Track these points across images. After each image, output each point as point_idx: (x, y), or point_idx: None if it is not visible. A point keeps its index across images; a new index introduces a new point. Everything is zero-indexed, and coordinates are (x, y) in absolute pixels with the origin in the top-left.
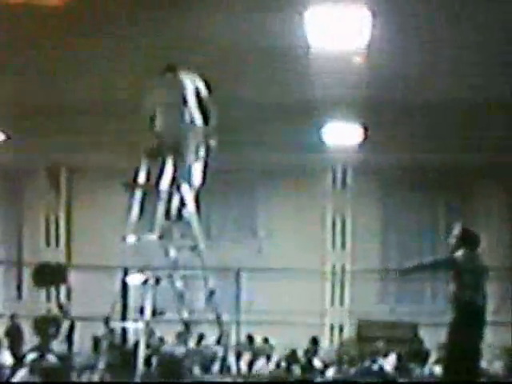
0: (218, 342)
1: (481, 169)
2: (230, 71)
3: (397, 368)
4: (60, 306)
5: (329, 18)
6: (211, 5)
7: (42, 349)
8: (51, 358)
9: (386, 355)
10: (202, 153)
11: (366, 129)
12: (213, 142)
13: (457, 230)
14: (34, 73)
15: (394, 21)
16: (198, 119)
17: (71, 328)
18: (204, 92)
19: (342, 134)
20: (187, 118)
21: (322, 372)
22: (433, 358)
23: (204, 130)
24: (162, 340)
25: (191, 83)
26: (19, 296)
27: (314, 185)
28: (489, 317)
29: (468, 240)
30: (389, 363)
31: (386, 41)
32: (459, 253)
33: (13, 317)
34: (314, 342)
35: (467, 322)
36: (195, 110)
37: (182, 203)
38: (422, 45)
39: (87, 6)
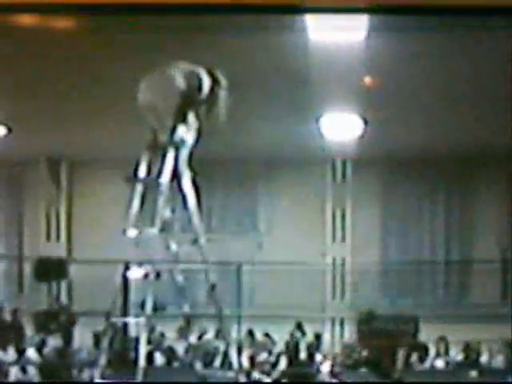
0: (217, 335)
1: (480, 157)
2: None
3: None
4: (56, 301)
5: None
6: None
7: (42, 344)
8: (50, 354)
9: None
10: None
11: (365, 121)
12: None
13: None
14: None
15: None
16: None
17: (71, 323)
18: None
19: (342, 127)
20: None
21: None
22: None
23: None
24: (163, 335)
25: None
26: (20, 291)
27: (314, 177)
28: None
29: None
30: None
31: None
32: None
33: (15, 312)
34: (317, 337)
35: None
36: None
37: (183, 196)
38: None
39: None
